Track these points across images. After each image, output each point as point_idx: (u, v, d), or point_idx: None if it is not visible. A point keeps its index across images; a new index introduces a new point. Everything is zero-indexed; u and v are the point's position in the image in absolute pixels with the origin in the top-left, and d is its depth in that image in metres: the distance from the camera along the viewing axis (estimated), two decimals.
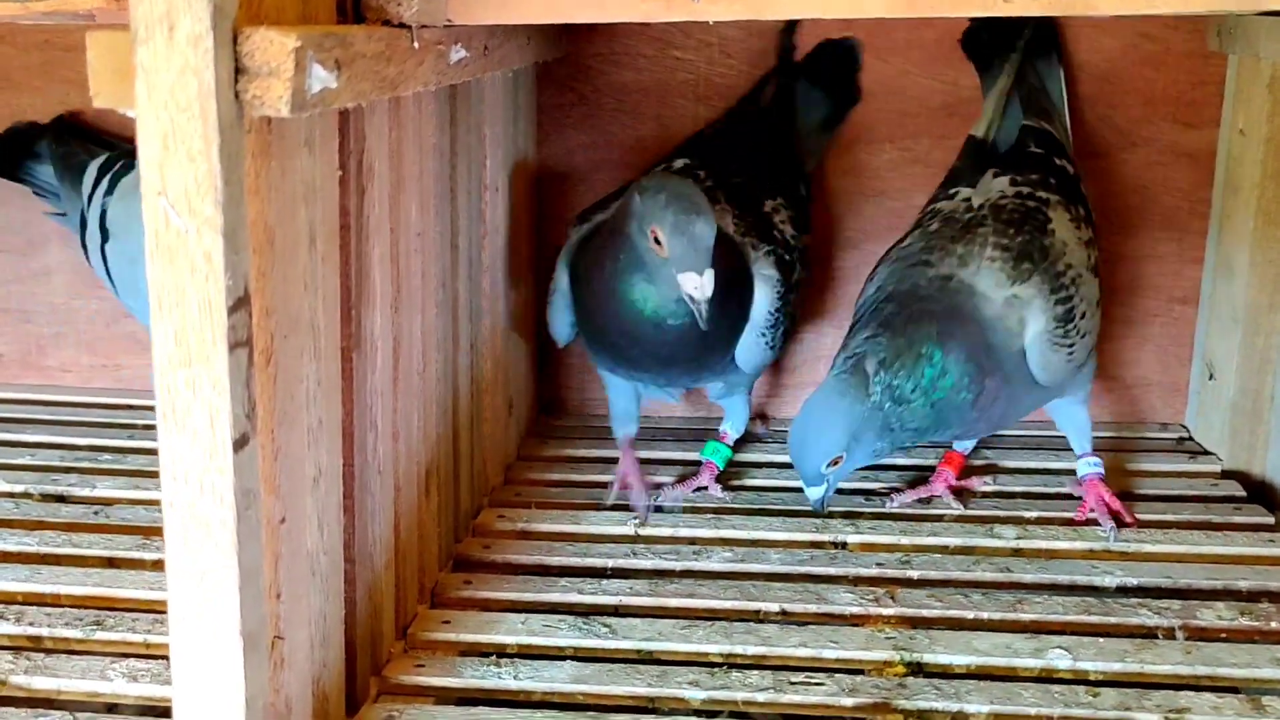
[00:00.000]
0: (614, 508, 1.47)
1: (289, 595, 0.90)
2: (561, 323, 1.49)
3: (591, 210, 1.51)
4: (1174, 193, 1.68)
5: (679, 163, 1.55)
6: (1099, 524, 1.39)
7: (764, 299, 1.41)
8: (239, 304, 0.76)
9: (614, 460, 1.63)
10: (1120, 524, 1.39)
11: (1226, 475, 1.57)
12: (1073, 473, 1.57)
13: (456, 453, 1.38)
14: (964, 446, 1.54)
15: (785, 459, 1.62)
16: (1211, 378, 1.65)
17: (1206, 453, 1.64)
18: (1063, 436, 1.63)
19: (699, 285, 1.25)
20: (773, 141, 1.64)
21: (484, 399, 1.48)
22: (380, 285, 1.07)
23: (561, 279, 1.47)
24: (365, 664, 1.09)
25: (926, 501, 1.48)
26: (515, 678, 1.12)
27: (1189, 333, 1.73)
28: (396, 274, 1.12)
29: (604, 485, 1.56)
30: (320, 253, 0.92)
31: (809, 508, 1.39)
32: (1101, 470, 1.45)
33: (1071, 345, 1.33)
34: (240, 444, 0.77)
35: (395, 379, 1.13)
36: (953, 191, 1.46)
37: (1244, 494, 1.50)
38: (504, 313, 1.56)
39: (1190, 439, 1.70)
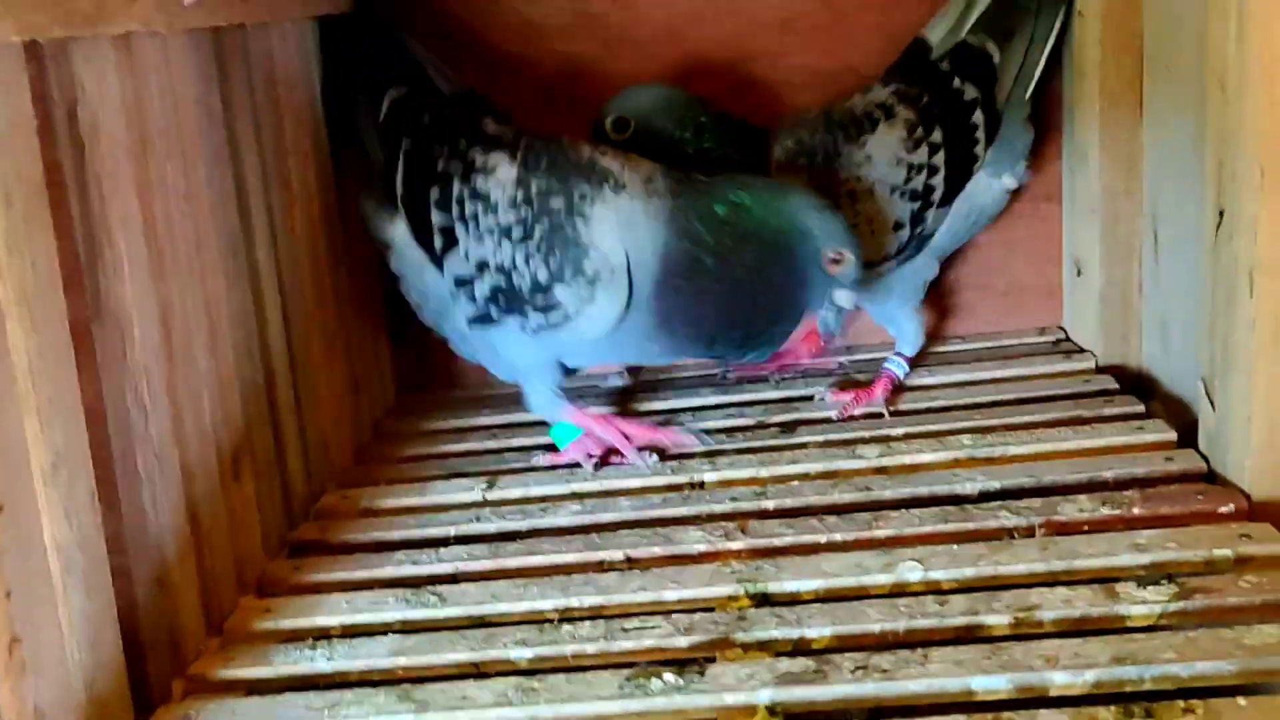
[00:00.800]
0: (457, 475, 1.39)
1: (22, 593, 0.81)
2: (612, 307, 1.27)
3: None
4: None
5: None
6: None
7: None
8: None
9: (474, 429, 1.56)
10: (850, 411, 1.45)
11: (1101, 371, 1.52)
12: (946, 386, 1.53)
13: (279, 435, 1.29)
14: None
15: (649, 405, 1.55)
16: (1079, 274, 1.59)
17: (1082, 351, 1.58)
18: (943, 353, 1.60)
19: (847, 300, 1.29)
20: None
21: (316, 378, 1.40)
22: (129, 251, 0.98)
23: (616, 255, 1.26)
24: (161, 663, 1.00)
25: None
26: (329, 659, 1.04)
27: (1056, 232, 1.67)
28: (155, 240, 1.03)
29: (459, 455, 1.48)
30: (20, 212, 0.83)
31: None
32: (896, 373, 1.50)
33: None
34: None
35: (169, 355, 1.04)
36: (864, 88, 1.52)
37: (1117, 387, 1.45)
38: (334, 288, 1.47)
39: (1067, 339, 1.64)
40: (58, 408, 0.87)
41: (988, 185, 1.50)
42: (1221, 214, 1.14)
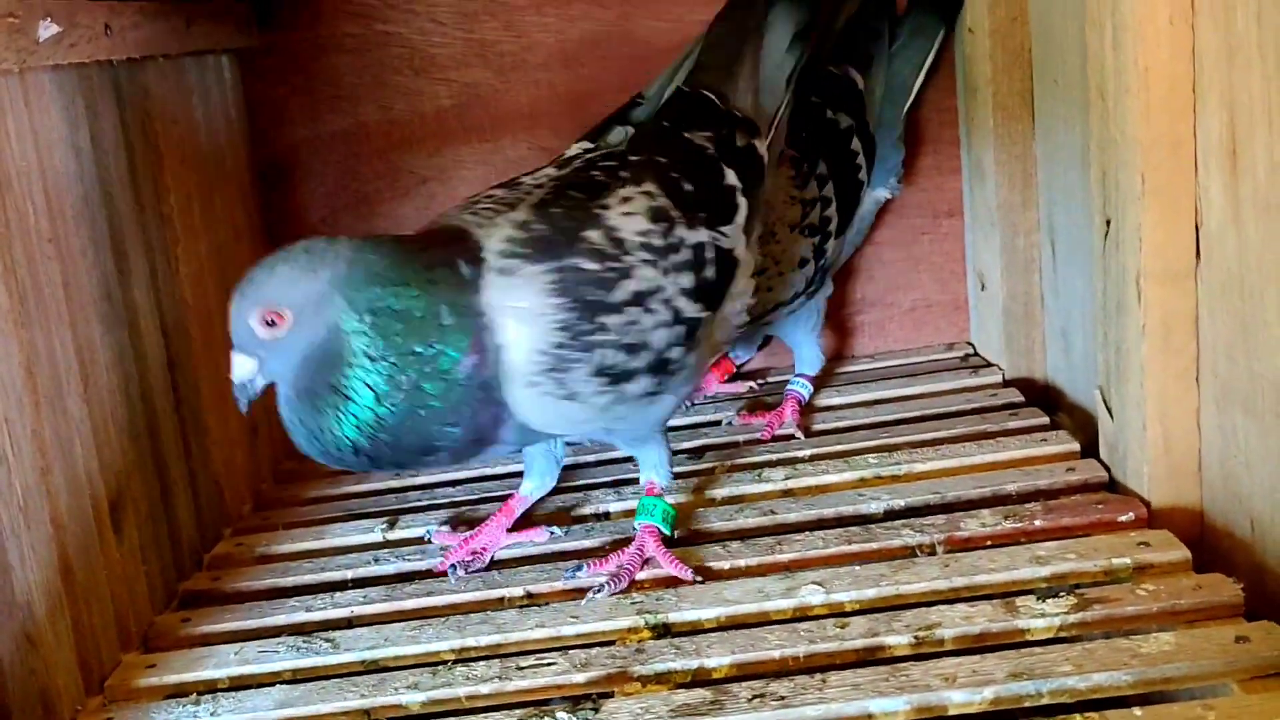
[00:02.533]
0: (357, 516, 1.36)
1: None
2: None
3: None
4: (921, 104, 1.62)
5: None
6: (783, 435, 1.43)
7: None
8: None
9: None
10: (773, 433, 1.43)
11: (1008, 384, 1.52)
12: (854, 406, 1.52)
13: (165, 483, 1.25)
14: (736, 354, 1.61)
15: None
16: (984, 288, 1.59)
17: (989, 365, 1.58)
18: (850, 372, 1.60)
19: None
20: None
21: (206, 423, 1.35)
22: None
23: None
24: None
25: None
26: (214, 714, 0.99)
27: (960, 247, 1.67)
28: (16, 284, 0.99)
29: (361, 495, 1.45)
30: None
31: (572, 484, 1.34)
32: (802, 393, 1.49)
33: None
34: None
35: (34, 403, 1.00)
36: None
37: (1023, 400, 1.44)
38: (226, 327, 1.43)
39: (975, 354, 1.64)
40: None
41: (868, 199, 1.51)
42: (1109, 223, 1.15)
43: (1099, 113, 1.14)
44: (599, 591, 1.10)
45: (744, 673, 0.96)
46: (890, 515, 1.20)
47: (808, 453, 1.37)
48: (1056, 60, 1.35)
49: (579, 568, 1.14)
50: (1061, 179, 1.38)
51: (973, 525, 1.13)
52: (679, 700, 0.92)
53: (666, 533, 1.17)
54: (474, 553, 1.20)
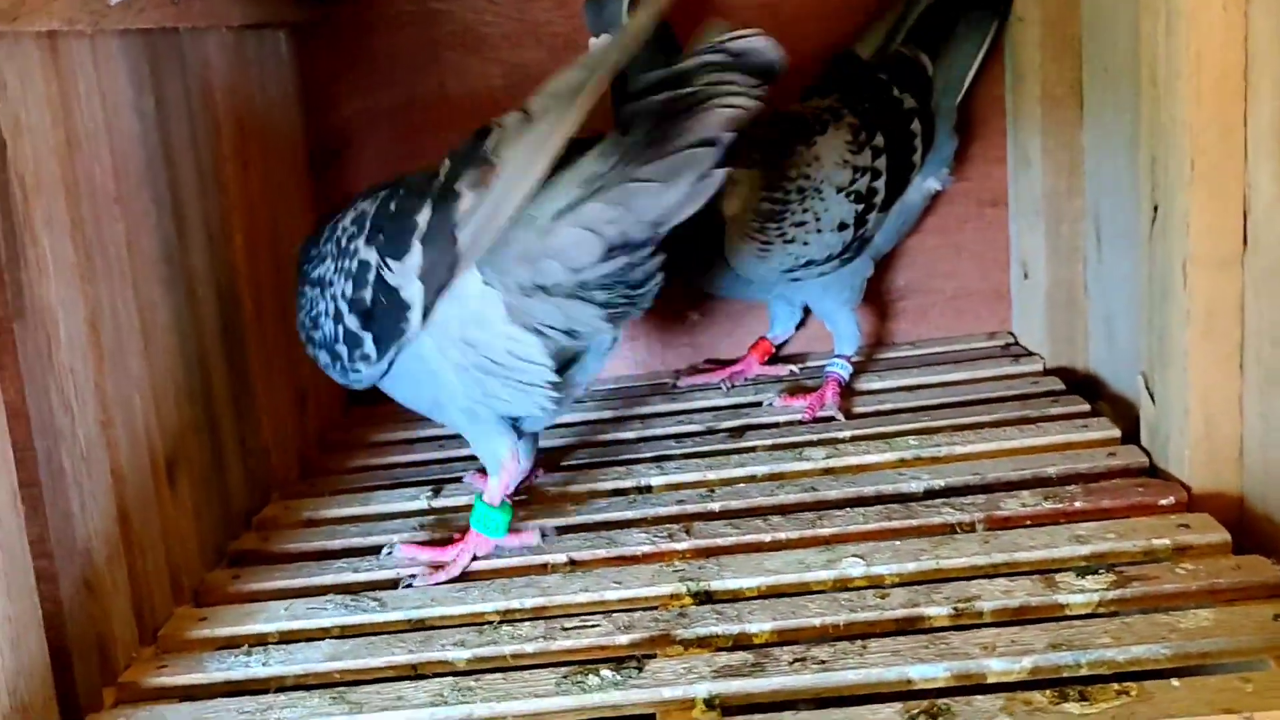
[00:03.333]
0: (402, 485, 1.38)
1: None
2: None
3: None
4: (970, 94, 1.62)
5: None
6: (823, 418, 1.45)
7: None
8: None
9: (421, 441, 1.55)
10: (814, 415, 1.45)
11: (1049, 373, 1.52)
12: (894, 390, 1.53)
13: (218, 445, 1.27)
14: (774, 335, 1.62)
15: (598, 415, 1.55)
16: (1026, 276, 1.60)
17: (1030, 354, 1.59)
18: (891, 358, 1.60)
19: None
20: None
21: (257, 389, 1.38)
22: (54, 251, 0.96)
23: None
24: (90, 670, 0.98)
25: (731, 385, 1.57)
26: (265, 664, 1.02)
27: (1004, 236, 1.68)
28: (83, 240, 1.01)
29: (405, 466, 1.47)
30: None
31: (611, 458, 1.36)
32: (842, 374, 1.49)
33: (768, 243, 1.40)
34: None
35: (97, 357, 1.03)
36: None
37: (1063, 388, 1.45)
38: (276, 299, 1.46)
39: (1016, 343, 1.65)
40: None
41: (918, 187, 1.52)
42: (1156, 209, 1.15)
43: (1149, 99, 1.15)
44: (408, 583, 1.13)
45: (785, 638, 0.97)
46: (930, 494, 1.21)
47: (848, 433, 1.38)
48: (1108, 48, 1.35)
49: (393, 548, 1.19)
50: (1109, 166, 1.38)
51: (1013, 505, 1.14)
52: (721, 662, 0.93)
53: (494, 537, 1.17)
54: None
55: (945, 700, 0.84)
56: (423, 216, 1.08)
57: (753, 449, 1.38)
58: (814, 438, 1.38)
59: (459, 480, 1.38)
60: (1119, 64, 1.31)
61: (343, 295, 1.12)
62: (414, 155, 1.65)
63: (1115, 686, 0.83)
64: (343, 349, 1.14)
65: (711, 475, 1.31)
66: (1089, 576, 0.99)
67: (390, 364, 1.14)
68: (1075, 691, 0.83)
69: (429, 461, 1.47)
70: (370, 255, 1.11)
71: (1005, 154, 1.64)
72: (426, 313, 1.09)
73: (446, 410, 1.17)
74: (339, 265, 1.13)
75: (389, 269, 1.09)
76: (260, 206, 1.42)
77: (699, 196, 1.02)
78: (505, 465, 1.17)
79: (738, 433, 1.43)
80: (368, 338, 1.12)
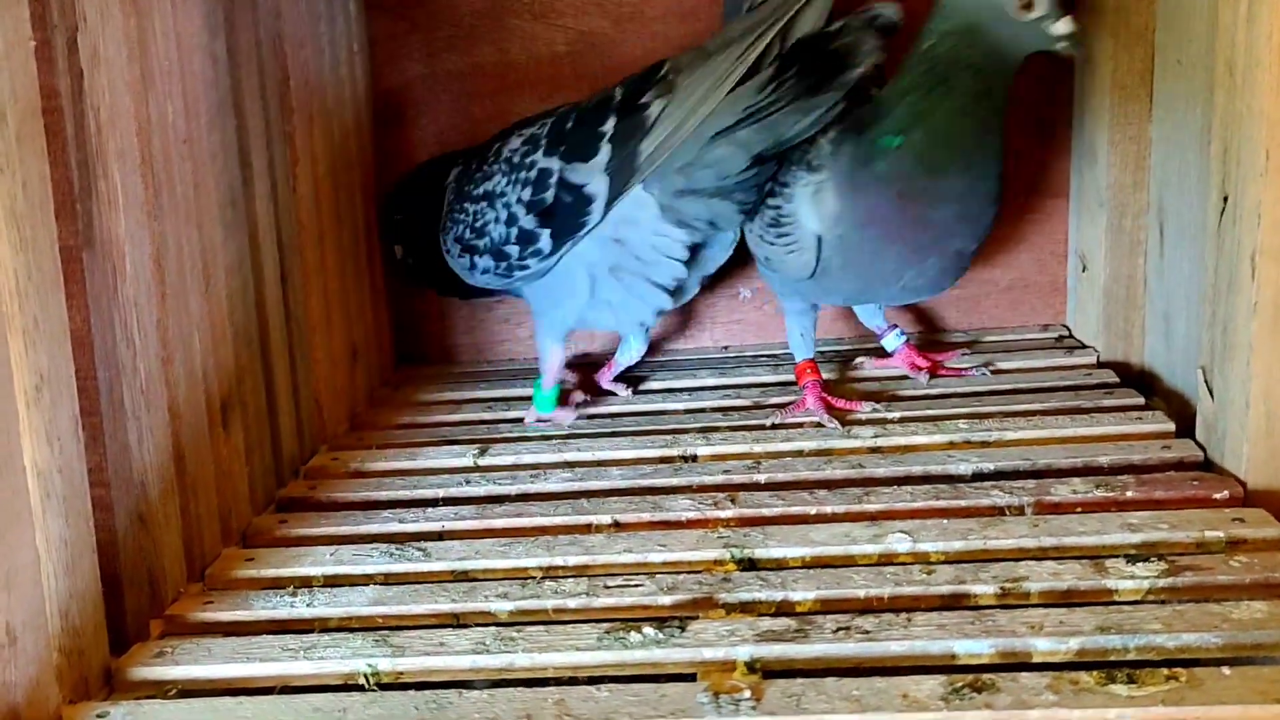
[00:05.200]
0: (449, 442, 1.39)
1: None
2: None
3: None
4: (1031, 82, 1.61)
5: None
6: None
7: None
8: None
9: (469, 401, 1.56)
10: (933, 374, 1.48)
11: (1103, 365, 1.51)
12: (944, 376, 1.52)
13: (271, 392, 1.29)
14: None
15: (647, 386, 1.55)
16: (1085, 269, 1.58)
17: (1084, 347, 1.57)
18: (943, 345, 1.60)
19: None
20: None
21: (312, 340, 1.39)
22: (124, 184, 0.98)
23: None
24: (139, 601, 0.99)
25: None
26: (310, 605, 1.03)
27: (1063, 228, 1.66)
28: (152, 177, 1.03)
29: (453, 424, 1.48)
30: (14, 132, 0.83)
31: (659, 426, 1.37)
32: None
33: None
34: None
35: (160, 293, 1.04)
36: None
37: (1117, 381, 1.43)
38: (335, 253, 1.47)
39: (1070, 336, 1.63)
40: (43, 330, 0.86)
41: None
42: (1226, 199, 1.13)
43: (1225, 88, 1.13)
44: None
45: (828, 608, 0.97)
46: (979, 477, 1.20)
47: (897, 414, 1.37)
48: (1181, 38, 1.33)
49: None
50: (1177, 160, 1.36)
51: (1063, 491, 1.13)
52: (764, 626, 0.93)
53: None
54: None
55: (990, 675, 0.83)
56: (608, 125, 1.31)
57: (800, 425, 1.37)
58: (862, 417, 1.38)
59: (506, 440, 1.39)
60: (1192, 55, 1.29)
61: (518, 200, 1.34)
62: (475, 119, 1.66)
63: (1165, 671, 0.82)
64: (513, 248, 1.35)
65: (758, 448, 1.31)
66: (1140, 564, 0.98)
67: (559, 260, 1.34)
68: (1123, 674, 0.82)
69: (476, 422, 1.48)
70: (552, 163, 1.33)
71: (1068, 147, 1.63)
72: (609, 206, 1.30)
73: (561, 308, 1.40)
74: (514, 177, 1.35)
75: (573, 170, 1.31)
76: (322, 161, 1.43)
77: (820, 123, 1.27)
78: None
79: (786, 408, 1.43)
80: (544, 234, 1.33)
